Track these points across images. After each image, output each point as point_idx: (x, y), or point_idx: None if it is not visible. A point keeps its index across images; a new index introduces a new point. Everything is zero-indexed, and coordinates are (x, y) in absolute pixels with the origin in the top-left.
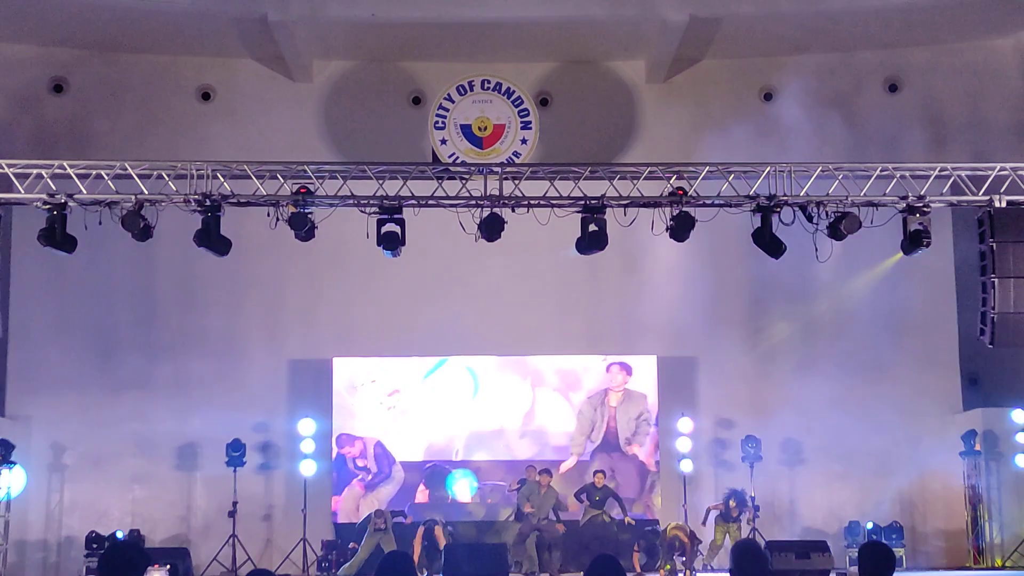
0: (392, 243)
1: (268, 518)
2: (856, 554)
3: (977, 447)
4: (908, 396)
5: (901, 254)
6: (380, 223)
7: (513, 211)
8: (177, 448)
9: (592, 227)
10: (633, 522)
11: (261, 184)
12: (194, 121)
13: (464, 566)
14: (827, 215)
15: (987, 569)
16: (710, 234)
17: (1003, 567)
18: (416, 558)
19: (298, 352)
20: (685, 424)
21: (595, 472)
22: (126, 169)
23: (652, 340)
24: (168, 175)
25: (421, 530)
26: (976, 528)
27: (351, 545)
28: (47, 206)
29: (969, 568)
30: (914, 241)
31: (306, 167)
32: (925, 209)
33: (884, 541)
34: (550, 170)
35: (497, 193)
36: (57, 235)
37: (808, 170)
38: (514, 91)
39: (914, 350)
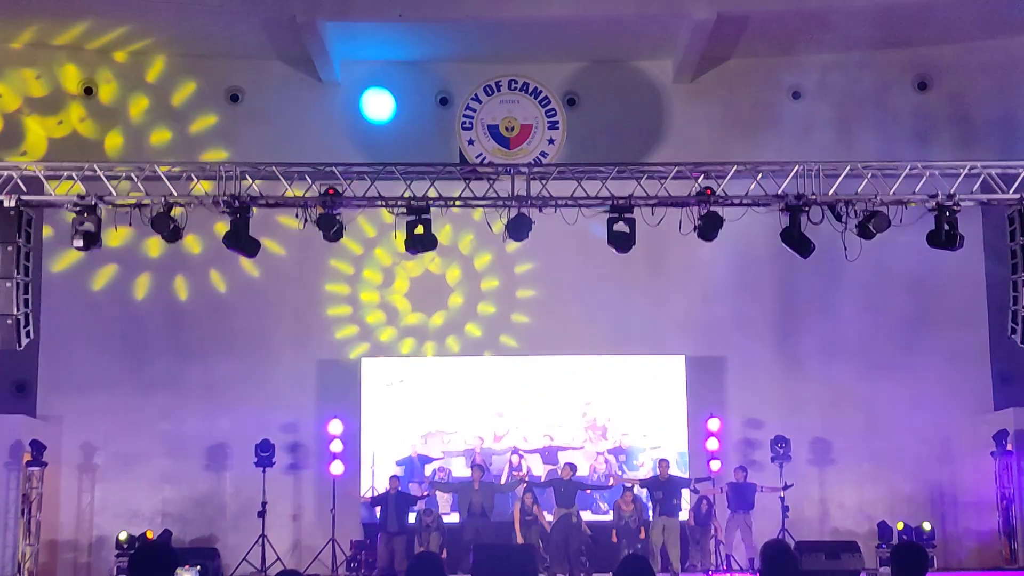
0: (424, 244)
1: (297, 518)
2: (887, 554)
3: (1009, 447)
4: (939, 396)
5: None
6: (410, 224)
7: (540, 211)
8: (207, 448)
9: (619, 227)
10: (589, 531)
11: (290, 185)
12: (223, 122)
13: (493, 567)
14: (856, 214)
15: (1019, 570)
16: (738, 233)
17: None
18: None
19: (327, 353)
20: (714, 424)
21: (564, 464)
22: (155, 171)
23: (680, 340)
24: (197, 176)
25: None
26: (1008, 529)
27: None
28: (77, 208)
29: (1001, 569)
30: (944, 240)
31: (334, 168)
32: (955, 207)
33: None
34: (577, 170)
35: (524, 193)
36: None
37: (837, 169)
38: (541, 91)
39: (945, 350)
